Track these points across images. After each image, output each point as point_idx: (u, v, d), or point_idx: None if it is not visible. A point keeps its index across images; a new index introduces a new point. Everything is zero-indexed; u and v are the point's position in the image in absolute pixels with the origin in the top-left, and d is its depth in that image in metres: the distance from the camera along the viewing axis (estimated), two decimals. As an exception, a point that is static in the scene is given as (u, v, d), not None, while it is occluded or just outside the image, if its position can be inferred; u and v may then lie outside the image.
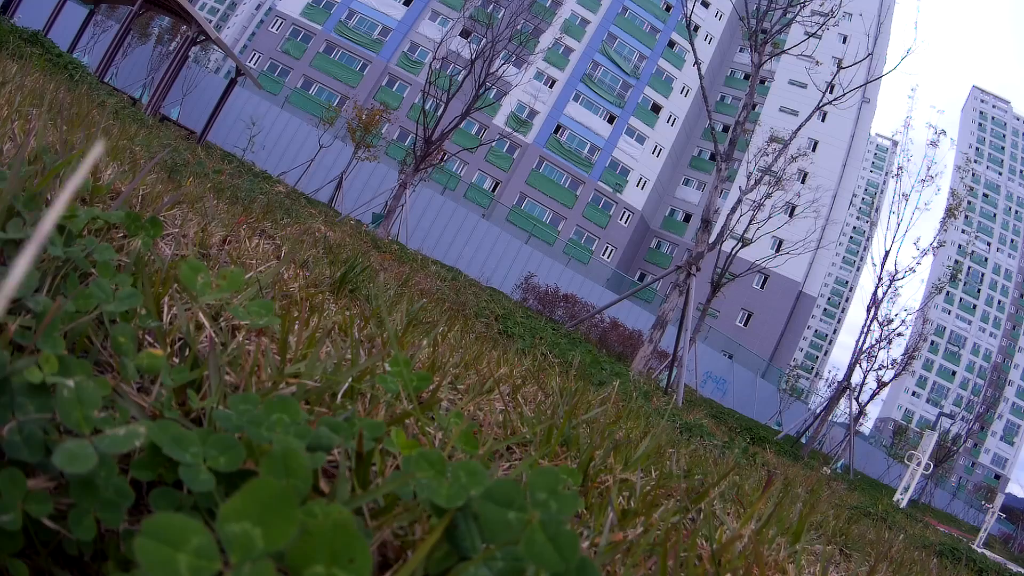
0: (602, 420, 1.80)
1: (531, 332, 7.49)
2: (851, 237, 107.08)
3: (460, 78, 18.37)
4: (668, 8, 51.45)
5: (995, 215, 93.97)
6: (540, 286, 21.32)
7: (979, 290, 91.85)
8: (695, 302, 13.00)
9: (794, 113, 46.75)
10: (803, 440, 19.75)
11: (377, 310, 1.82)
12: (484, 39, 18.86)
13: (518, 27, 19.26)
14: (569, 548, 0.55)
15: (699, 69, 12.48)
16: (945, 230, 19.96)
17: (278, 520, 0.45)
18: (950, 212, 19.62)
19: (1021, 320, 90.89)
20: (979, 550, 7.67)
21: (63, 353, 0.67)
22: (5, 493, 0.56)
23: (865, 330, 19.54)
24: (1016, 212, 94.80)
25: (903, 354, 20.77)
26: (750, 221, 20.65)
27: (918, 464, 14.17)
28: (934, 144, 21.33)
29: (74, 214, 0.94)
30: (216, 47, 17.44)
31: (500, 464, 1.16)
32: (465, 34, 29.50)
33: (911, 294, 74.19)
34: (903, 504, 12.61)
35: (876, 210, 56.65)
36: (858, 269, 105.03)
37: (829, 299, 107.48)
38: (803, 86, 46.80)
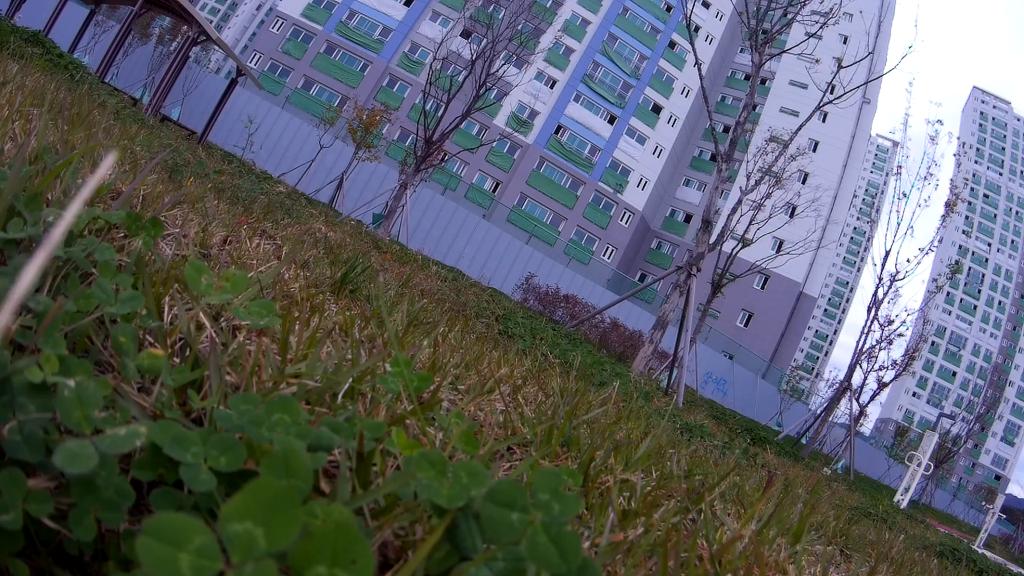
0: (603, 421, 1.80)
1: (531, 332, 7.49)
2: (851, 238, 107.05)
3: (461, 78, 18.36)
4: (669, 9, 51.46)
5: (995, 215, 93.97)
6: (541, 287, 21.29)
7: (979, 291, 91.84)
8: (696, 303, 12.99)
9: (795, 113, 46.75)
10: (803, 441, 19.74)
11: (378, 310, 1.82)
12: (484, 39, 18.86)
13: (519, 27, 19.26)
14: (572, 549, 0.55)
15: (700, 70, 12.49)
16: (944, 226, 19.89)
17: (281, 520, 0.45)
18: (950, 206, 19.52)
19: (1021, 321, 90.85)
20: (980, 551, 7.67)
21: (64, 353, 0.67)
22: (6, 493, 0.56)
23: (866, 331, 19.50)
24: (1016, 212, 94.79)
25: (903, 355, 20.72)
26: (750, 221, 20.60)
27: (918, 465, 14.17)
28: (933, 139, 21.24)
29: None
30: (217, 47, 17.45)
31: (501, 464, 1.16)
32: (466, 34, 29.54)
33: (912, 295, 74.14)
34: (903, 505, 12.61)
35: (876, 210, 56.61)
36: (858, 269, 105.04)
37: (830, 299, 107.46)
38: (803, 86, 46.82)
